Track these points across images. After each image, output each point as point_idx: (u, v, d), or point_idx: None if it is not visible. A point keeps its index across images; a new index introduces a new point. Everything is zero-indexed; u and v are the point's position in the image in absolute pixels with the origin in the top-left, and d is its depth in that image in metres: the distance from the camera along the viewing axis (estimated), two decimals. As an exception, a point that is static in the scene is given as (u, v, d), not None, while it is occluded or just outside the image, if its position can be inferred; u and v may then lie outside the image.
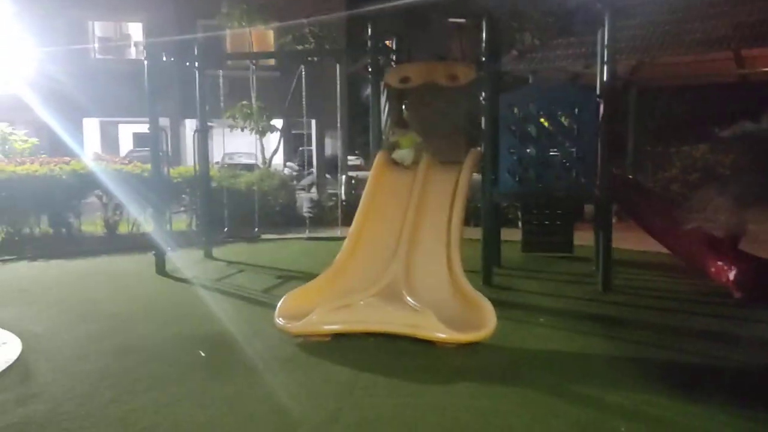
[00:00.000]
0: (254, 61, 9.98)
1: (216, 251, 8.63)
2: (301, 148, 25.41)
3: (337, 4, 19.50)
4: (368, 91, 7.44)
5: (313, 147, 20.54)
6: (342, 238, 6.06)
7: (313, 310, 4.75)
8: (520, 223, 8.50)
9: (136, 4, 20.35)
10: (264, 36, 18.94)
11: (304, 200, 12.30)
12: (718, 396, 3.64)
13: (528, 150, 6.46)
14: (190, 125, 20.56)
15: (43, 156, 11.46)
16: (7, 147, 13.36)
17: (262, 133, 13.86)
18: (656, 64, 10.03)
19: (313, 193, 11.49)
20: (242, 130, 13.46)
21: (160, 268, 7.43)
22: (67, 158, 10.58)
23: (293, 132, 21.38)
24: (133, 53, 21.74)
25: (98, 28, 21.87)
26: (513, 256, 7.95)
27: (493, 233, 7.17)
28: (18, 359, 4.39)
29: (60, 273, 7.67)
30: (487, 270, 6.48)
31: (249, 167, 15.53)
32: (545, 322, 5.27)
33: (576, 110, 6.36)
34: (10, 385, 3.94)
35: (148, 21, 20.30)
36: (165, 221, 8.01)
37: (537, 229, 8.13)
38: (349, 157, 18.36)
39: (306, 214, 11.06)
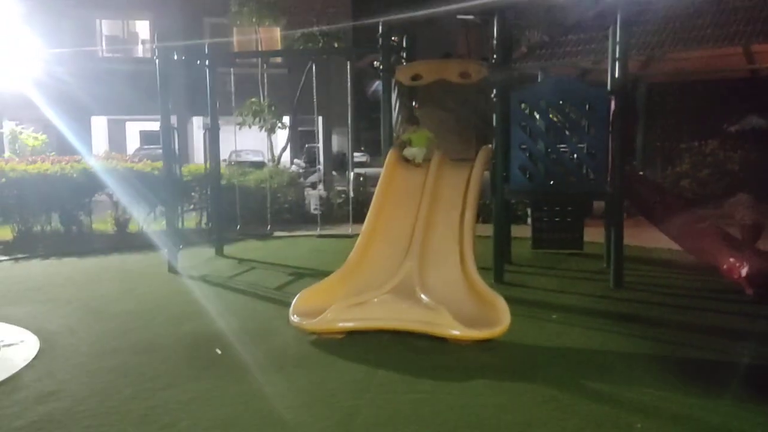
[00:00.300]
0: (265, 60, 9.96)
1: (227, 249, 8.66)
2: (307, 145, 25.48)
3: (344, 0, 19.53)
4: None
5: (320, 144, 20.57)
6: (353, 236, 6.07)
7: (328, 307, 4.77)
8: (529, 220, 8.49)
9: (144, 2, 20.40)
10: (271, 33, 18.94)
11: (311, 197, 12.30)
12: (734, 392, 3.65)
13: (539, 147, 6.46)
14: (197, 123, 20.65)
15: (53, 155, 11.52)
16: (17, 146, 13.44)
17: (271, 130, 13.89)
18: (665, 59, 10.01)
19: (321, 190, 11.48)
20: (250, 126, 13.48)
21: (172, 265, 7.47)
22: (77, 156, 10.64)
23: (300, 129, 21.42)
24: (140, 51, 21.82)
25: (105, 27, 21.94)
26: (523, 253, 7.94)
27: (505, 230, 7.17)
28: (36, 357, 4.44)
29: (72, 271, 7.71)
30: (499, 267, 6.49)
31: (256, 165, 15.58)
32: (558, 318, 5.28)
33: (587, 106, 6.37)
34: (29, 383, 3.97)
35: (155, 19, 20.38)
36: (177, 219, 8.03)
37: (547, 226, 8.11)
38: (355, 154, 18.38)
39: (314, 212, 11.07)
